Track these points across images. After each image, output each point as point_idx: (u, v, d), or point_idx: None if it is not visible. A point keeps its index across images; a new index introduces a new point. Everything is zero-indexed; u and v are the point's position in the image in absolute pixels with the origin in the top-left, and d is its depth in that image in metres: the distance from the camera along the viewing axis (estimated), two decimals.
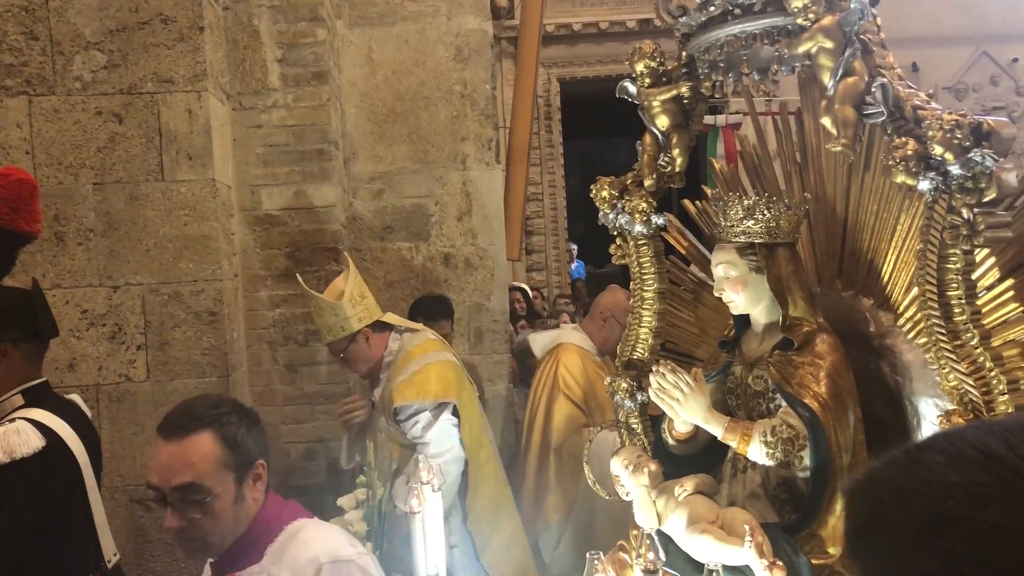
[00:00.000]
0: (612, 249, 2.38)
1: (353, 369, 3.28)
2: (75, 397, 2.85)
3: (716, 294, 2.13)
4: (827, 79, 1.81)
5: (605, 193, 2.30)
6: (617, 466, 2.20)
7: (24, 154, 3.24)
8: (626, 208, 2.28)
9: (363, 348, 3.20)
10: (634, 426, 2.40)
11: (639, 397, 2.35)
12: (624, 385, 2.37)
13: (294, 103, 3.78)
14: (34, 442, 2.51)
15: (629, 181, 2.31)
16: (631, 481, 2.14)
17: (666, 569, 2.00)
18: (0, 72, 3.23)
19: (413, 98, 4.15)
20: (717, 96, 2.20)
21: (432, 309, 3.81)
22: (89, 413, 2.86)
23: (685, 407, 2.02)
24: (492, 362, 4.19)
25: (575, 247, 10.12)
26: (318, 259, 3.82)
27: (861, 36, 1.81)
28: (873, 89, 1.78)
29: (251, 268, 3.74)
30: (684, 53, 2.17)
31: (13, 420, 2.56)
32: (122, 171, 3.29)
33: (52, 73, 3.26)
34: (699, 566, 1.97)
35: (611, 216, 2.31)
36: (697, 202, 2.62)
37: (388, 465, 3.32)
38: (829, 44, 1.80)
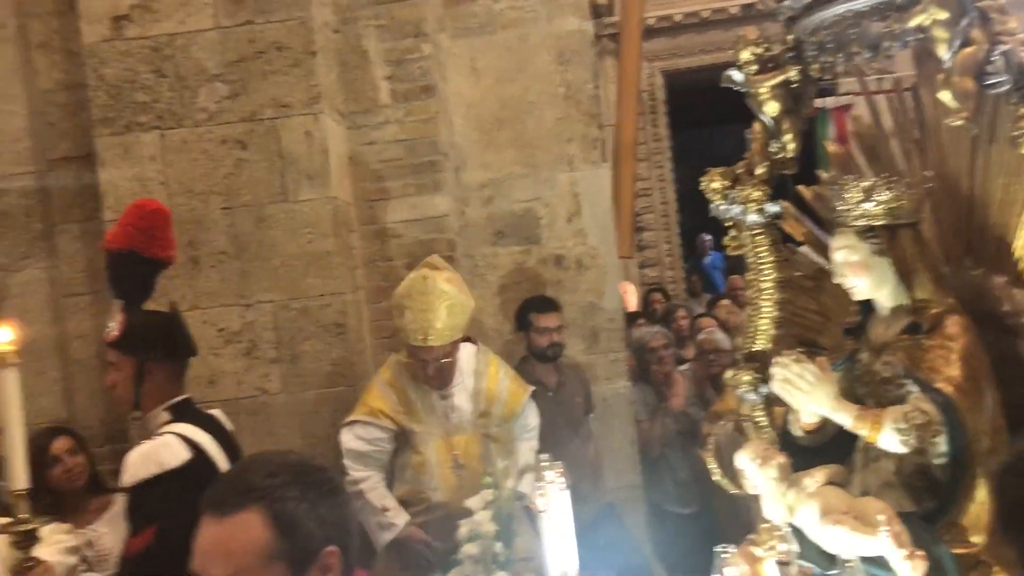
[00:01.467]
0: (727, 240, 2.36)
1: (447, 376, 3.29)
2: (217, 412, 3.02)
3: (837, 280, 2.09)
4: (943, 51, 1.75)
5: (716, 184, 2.28)
6: (744, 461, 2.18)
7: (159, 185, 3.45)
8: (738, 198, 2.26)
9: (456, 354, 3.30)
10: (759, 419, 2.37)
11: (762, 390, 2.32)
12: (747, 378, 2.34)
13: (404, 118, 3.90)
14: (181, 454, 2.67)
15: (740, 170, 2.28)
16: (759, 475, 2.12)
17: (800, 562, 1.98)
18: (134, 109, 3.46)
19: (518, 104, 4.21)
20: (827, 78, 2.16)
21: (545, 306, 3.89)
22: (231, 426, 3.03)
23: (812, 397, 1.98)
24: (608, 361, 4.20)
25: (709, 237, 9.97)
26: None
27: (978, 3, 1.75)
28: (994, 58, 1.72)
29: (373, 280, 3.87)
30: (790, 36, 2.13)
31: (161, 434, 2.74)
32: (248, 195, 3.47)
33: (180, 107, 3.47)
34: (833, 558, 1.93)
35: (724, 207, 2.29)
36: (812, 187, 2.56)
37: (506, 463, 3.37)
38: (943, 15, 1.75)
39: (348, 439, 3.21)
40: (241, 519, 1.30)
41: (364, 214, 3.89)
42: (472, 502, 3.11)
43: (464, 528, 3.06)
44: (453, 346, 3.25)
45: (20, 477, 2.31)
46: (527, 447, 3.44)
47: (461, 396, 3.35)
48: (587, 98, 4.18)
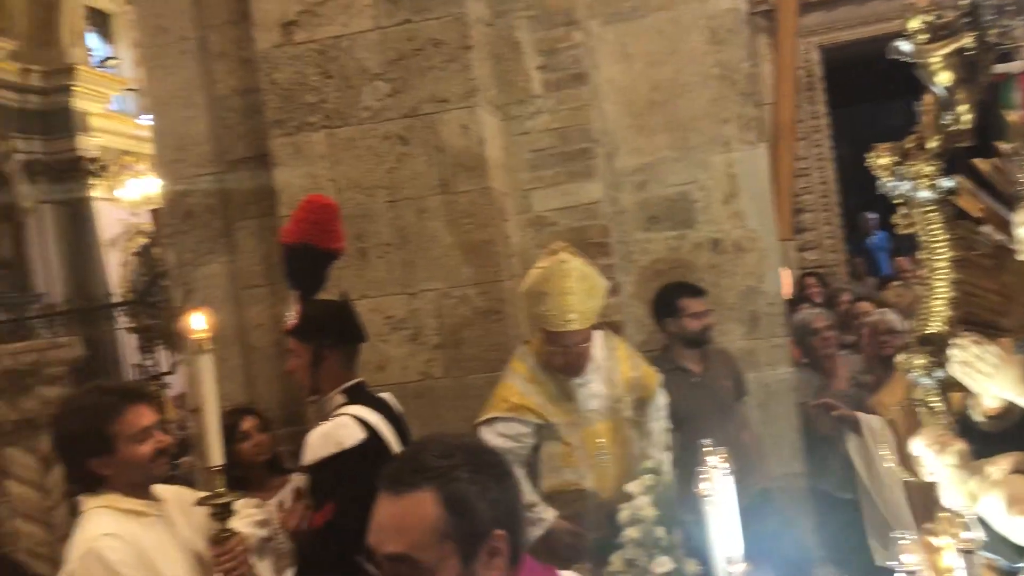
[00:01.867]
0: (896, 218, 2.27)
1: (583, 361, 3.27)
2: (387, 395, 3.17)
3: (1021, 257, 1.97)
4: None
5: (884, 160, 2.19)
6: (920, 447, 2.10)
7: (328, 181, 3.64)
8: (909, 174, 2.16)
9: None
10: (934, 404, 2.27)
11: (937, 374, 2.22)
12: (920, 361, 2.24)
13: (557, 107, 3.94)
14: (357, 434, 2.83)
15: (910, 145, 2.19)
16: (937, 462, 2.03)
17: (985, 554, 1.89)
18: (304, 110, 3.66)
19: (670, 87, 4.16)
20: (1006, 44, 2.03)
21: (695, 291, 3.86)
22: (400, 409, 3.17)
23: (994, 381, 1.89)
24: (770, 346, 4.10)
25: (875, 216, 9.55)
26: (588, 254, 3.93)
27: None
28: None
29: (528, 267, 3.94)
30: (965, 1, 2.02)
31: (338, 416, 2.90)
32: (410, 188, 3.61)
33: (345, 106, 3.64)
34: (1022, 550, 1.84)
35: (892, 184, 2.20)
36: (991, 160, 2.42)
37: (643, 444, 3.36)
38: None
39: (489, 436, 3.18)
40: (415, 498, 1.35)
41: (519, 203, 3.96)
42: (632, 486, 3.13)
43: (625, 512, 3.09)
44: (591, 330, 3.26)
45: (216, 454, 2.50)
46: (659, 427, 3.43)
47: (597, 382, 3.36)
48: (743, 77, 4.09)
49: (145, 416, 2.36)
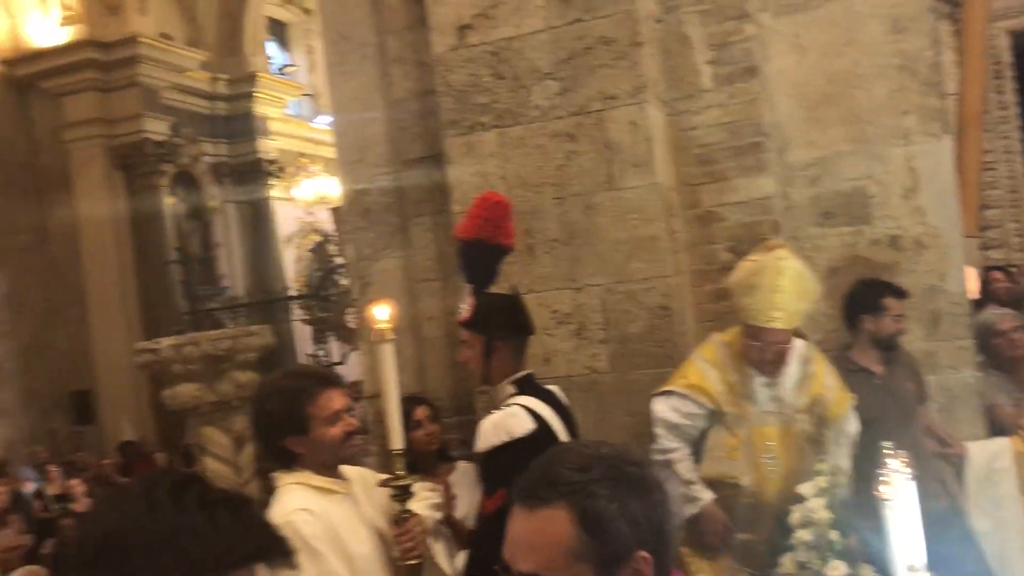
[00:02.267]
0: None
1: (781, 362, 3.24)
2: (554, 388, 3.24)
3: None
4: None
5: None
6: None
7: (499, 179, 3.75)
8: None
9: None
10: None
11: None
12: None
13: (727, 101, 3.89)
14: (527, 424, 2.91)
15: None
16: None
17: None
18: (476, 111, 3.78)
19: (845, 78, 4.02)
20: None
21: (901, 292, 3.71)
22: (567, 402, 3.23)
23: None
24: (954, 348, 3.89)
25: None
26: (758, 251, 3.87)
27: None
28: None
29: (696, 264, 3.92)
30: None
31: (509, 406, 2.99)
32: (578, 185, 3.66)
33: (516, 105, 3.74)
34: None
35: None
36: None
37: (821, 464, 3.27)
38: None
39: (662, 408, 3.26)
40: (548, 514, 1.25)
41: (687, 199, 3.94)
42: (804, 488, 3.06)
43: (796, 514, 3.03)
44: (793, 332, 3.22)
45: (397, 438, 2.64)
46: (844, 453, 3.32)
47: (786, 386, 3.30)
48: (926, 67, 3.90)
49: (337, 400, 2.52)
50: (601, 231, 3.66)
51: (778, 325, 3.14)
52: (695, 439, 3.29)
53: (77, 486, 8.17)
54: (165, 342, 4.65)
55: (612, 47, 3.60)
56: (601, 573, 1.24)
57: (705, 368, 3.29)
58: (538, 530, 1.26)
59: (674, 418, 3.26)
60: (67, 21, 11.14)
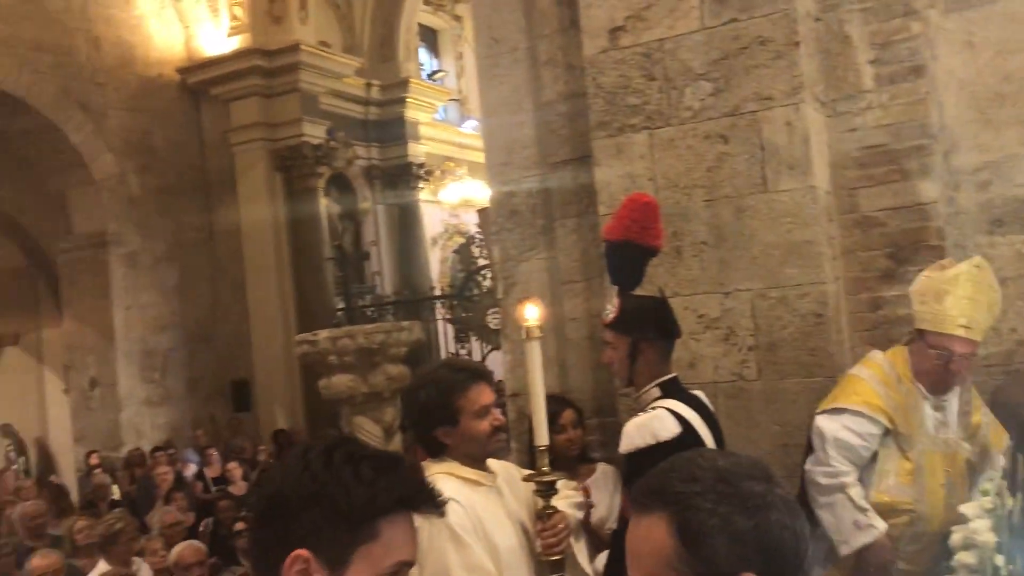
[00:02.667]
0: None
1: (951, 379, 3.08)
2: (699, 393, 3.19)
3: None
4: None
5: None
6: None
7: (647, 180, 3.73)
8: None
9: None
10: None
11: None
12: None
13: (889, 102, 3.72)
14: (673, 428, 2.88)
15: None
16: None
17: None
18: (627, 112, 3.78)
19: (1023, 77, 3.78)
20: None
21: None
22: (712, 408, 3.18)
23: None
24: None
25: None
26: (920, 258, 3.69)
27: None
28: None
29: (852, 270, 3.77)
30: None
31: (654, 408, 2.97)
32: (729, 187, 3.60)
33: (667, 107, 3.70)
34: None
35: None
36: None
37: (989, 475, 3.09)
38: None
39: (835, 427, 3.06)
40: (650, 523, 1.24)
41: (843, 203, 3.80)
42: (967, 509, 2.90)
43: (957, 535, 2.87)
44: (976, 347, 3.08)
45: (543, 433, 2.68)
46: (994, 486, 3.13)
47: (952, 410, 3.14)
48: None
49: (486, 395, 2.58)
50: (753, 235, 3.58)
51: (970, 336, 2.99)
52: (865, 462, 3.09)
53: (235, 469, 8.67)
54: (323, 334, 4.88)
55: (768, 47, 3.51)
56: None
57: (875, 384, 3.11)
58: (643, 537, 1.25)
59: (848, 438, 3.05)
60: (235, 31, 11.84)
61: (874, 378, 3.12)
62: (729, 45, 3.58)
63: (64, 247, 11.39)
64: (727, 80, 3.59)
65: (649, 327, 3.09)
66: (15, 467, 11.52)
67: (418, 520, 1.44)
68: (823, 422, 3.10)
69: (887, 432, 3.08)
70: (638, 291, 3.16)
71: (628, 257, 3.15)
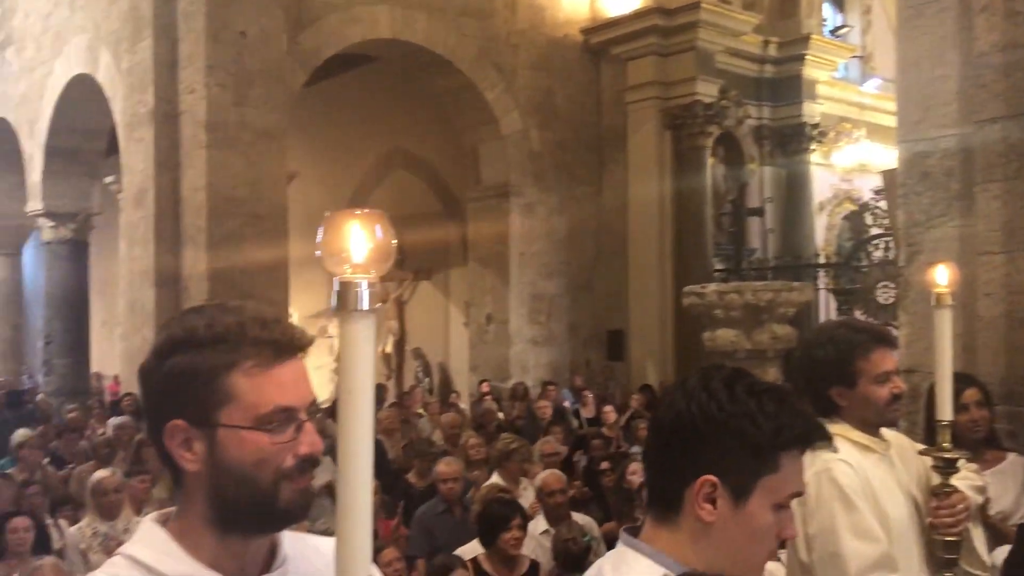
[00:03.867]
0: None
1: None
2: None
3: None
4: None
5: None
6: None
7: None
8: None
9: None
10: None
11: None
12: None
13: None
14: None
15: None
16: None
17: None
18: None
19: None
20: None
21: None
22: None
23: None
24: None
25: None
26: None
27: None
28: None
29: None
30: None
31: None
32: None
33: None
34: None
35: None
36: None
37: None
38: None
39: None
40: None
41: None
42: None
43: None
44: None
45: (946, 409, 2.51)
46: None
47: None
48: None
49: (889, 360, 2.47)
50: None
51: None
52: None
53: (610, 412, 9.13)
54: (711, 287, 4.93)
55: None
56: None
57: None
58: None
59: None
60: None
61: None
62: None
63: (472, 196, 12.62)
64: None
65: None
66: (422, 385, 13.25)
67: (807, 475, 1.45)
68: None
69: None
70: None
71: None
